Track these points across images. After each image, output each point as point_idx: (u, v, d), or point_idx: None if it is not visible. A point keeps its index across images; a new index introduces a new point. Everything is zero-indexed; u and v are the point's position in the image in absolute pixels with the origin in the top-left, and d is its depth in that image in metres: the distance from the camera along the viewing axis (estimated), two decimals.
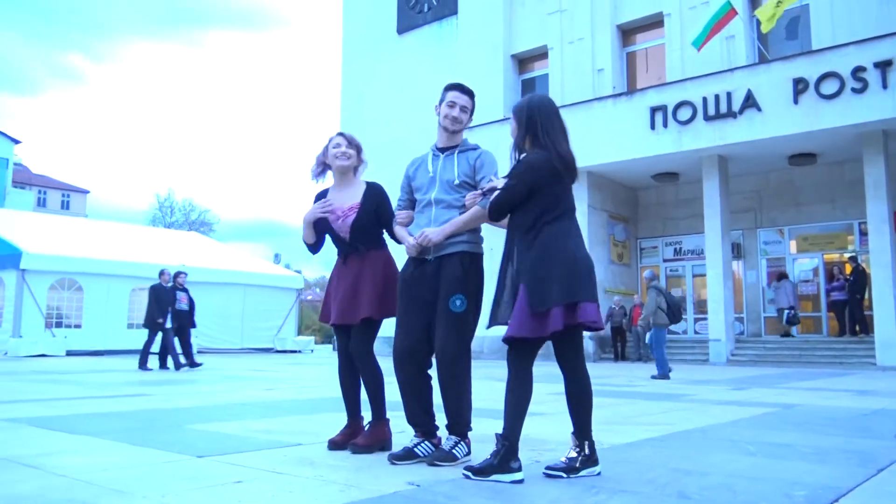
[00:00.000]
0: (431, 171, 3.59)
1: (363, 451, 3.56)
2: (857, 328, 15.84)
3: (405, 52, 23.22)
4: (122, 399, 6.59)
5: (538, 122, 3.10)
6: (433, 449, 3.38)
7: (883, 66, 13.46)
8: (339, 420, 5.08)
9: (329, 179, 4.08)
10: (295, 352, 22.57)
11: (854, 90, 13.73)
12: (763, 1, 16.03)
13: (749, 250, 18.14)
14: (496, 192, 3.13)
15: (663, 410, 5.82)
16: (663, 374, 10.50)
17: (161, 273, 12.56)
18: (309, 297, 57.41)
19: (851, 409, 6.08)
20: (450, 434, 3.38)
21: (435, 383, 3.45)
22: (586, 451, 3.03)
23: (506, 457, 2.91)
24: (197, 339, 19.86)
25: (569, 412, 3.13)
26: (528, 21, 20.44)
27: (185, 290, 12.66)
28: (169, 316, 12.11)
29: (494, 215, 3.16)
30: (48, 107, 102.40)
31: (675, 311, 10.73)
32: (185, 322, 12.49)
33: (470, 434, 3.47)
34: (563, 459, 3.07)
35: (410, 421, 3.51)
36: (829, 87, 14.01)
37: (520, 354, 3.09)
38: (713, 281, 15.91)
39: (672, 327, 11.95)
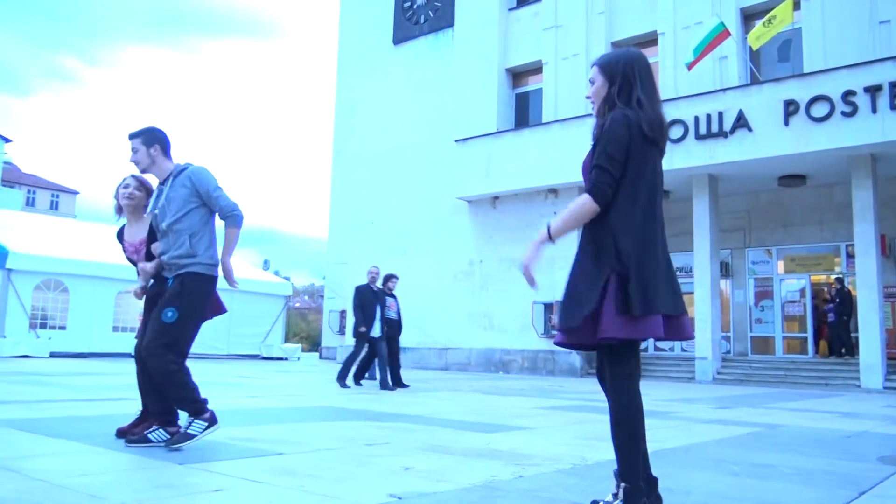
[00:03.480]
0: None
1: (129, 437, 3.96)
2: (843, 350, 15.93)
3: (400, 63, 23.27)
4: (104, 403, 6.53)
5: (636, 78, 2.62)
6: (168, 436, 3.79)
7: (873, 90, 13.59)
8: (323, 429, 5.07)
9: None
10: (281, 359, 22.45)
11: (844, 114, 13.85)
12: (756, 22, 16.18)
13: (737, 270, 18.22)
14: (593, 171, 2.54)
15: (647, 428, 5.81)
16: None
17: (370, 272, 10.57)
18: (297, 305, 57.17)
19: (835, 430, 6.10)
20: (189, 416, 3.80)
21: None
22: (621, 496, 2.46)
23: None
24: None
25: None
26: (524, 35, 20.55)
27: (395, 297, 10.89)
28: (377, 323, 10.22)
29: (601, 199, 2.50)
30: (40, 107, 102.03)
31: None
32: (394, 333, 10.71)
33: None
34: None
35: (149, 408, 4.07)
36: (820, 109, 14.14)
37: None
38: (701, 299, 15.96)
39: (659, 344, 12.42)
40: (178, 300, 3.85)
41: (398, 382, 10.33)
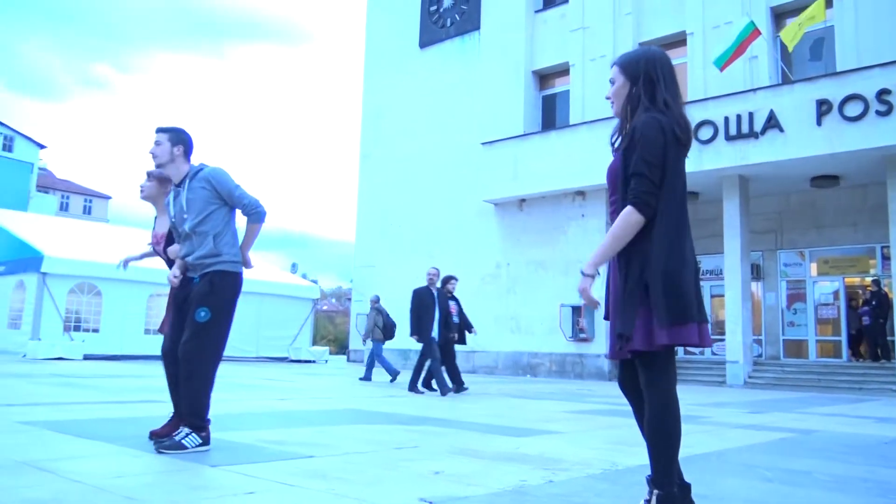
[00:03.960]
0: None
1: (159, 438, 3.93)
2: (879, 353, 15.61)
3: (427, 67, 23.34)
4: (137, 405, 6.62)
5: (659, 78, 2.54)
6: (200, 441, 3.81)
7: None
8: (352, 433, 5.09)
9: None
10: (309, 362, 22.60)
11: (879, 113, 13.59)
12: (787, 21, 15.96)
13: (769, 272, 17.96)
14: (632, 180, 2.47)
15: None
16: (395, 373, 12.76)
17: (429, 274, 10.07)
18: (325, 308, 57.51)
19: (872, 436, 5.98)
20: (184, 425, 3.83)
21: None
22: (654, 502, 2.43)
23: None
24: None
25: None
26: (551, 37, 20.48)
27: (456, 300, 10.46)
28: (436, 326, 9.77)
29: (646, 210, 2.43)
30: (74, 113, 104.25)
31: (388, 329, 13.28)
32: (456, 336, 10.30)
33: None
34: None
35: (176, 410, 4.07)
36: (853, 109, 13.89)
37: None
38: (731, 302, 15.76)
39: (689, 348, 12.67)
40: (209, 299, 3.91)
41: (429, 385, 10.13)
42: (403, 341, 22.00)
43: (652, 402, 2.47)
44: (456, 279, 10.63)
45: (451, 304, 10.23)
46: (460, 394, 9.88)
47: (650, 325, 2.39)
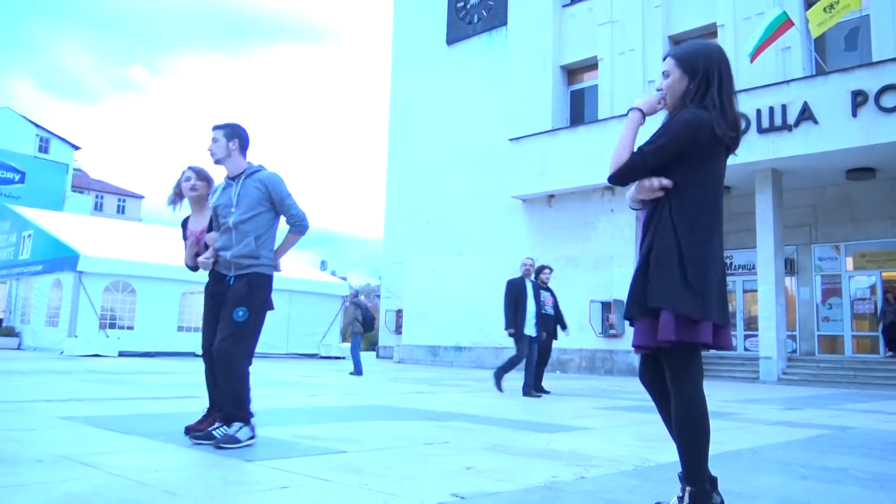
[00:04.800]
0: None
1: (195, 433, 4.03)
2: None
3: (454, 63, 23.33)
4: (172, 401, 6.74)
5: (715, 77, 2.49)
6: (252, 434, 3.92)
7: None
8: (383, 428, 5.13)
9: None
10: (339, 358, 22.75)
11: None
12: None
13: (803, 266, 17.67)
14: (636, 152, 2.47)
15: (712, 429, 5.69)
16: (359, 372, 13.02)
17: (524, 264, 9.46)
18: None
19: None
20: (233, 421, 3.92)
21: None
22: (686, 499, 2.42)
23: None
24: None
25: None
26: (579, 32, 20.35)
27: (550, 291, 9.82)
28: (531, 320, 9.16)
29: (618, 177, 2.48)
30: (107, 115, 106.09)
31: (367, 322, 13.95)
32: (550, 330, 9.69)
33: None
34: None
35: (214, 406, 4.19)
36: (890, 99, 13.59)
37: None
38: (765, 297, 15.54)
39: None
40: (248, 299, 4.00)
41: (539, 387, 9.44)
42: (432, 337, 22.13)
43: (677, 398, 2.46)
44: (550, 269, 9.98)
45: (546, 295, 9.61)
46: (537, 398, 9.01)
47: (670, 319, 2.36)
